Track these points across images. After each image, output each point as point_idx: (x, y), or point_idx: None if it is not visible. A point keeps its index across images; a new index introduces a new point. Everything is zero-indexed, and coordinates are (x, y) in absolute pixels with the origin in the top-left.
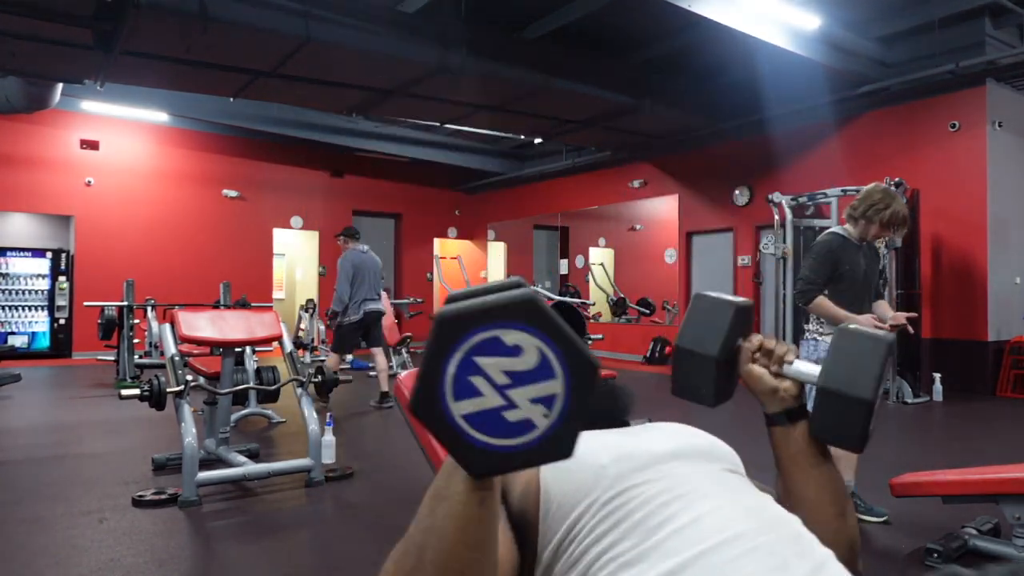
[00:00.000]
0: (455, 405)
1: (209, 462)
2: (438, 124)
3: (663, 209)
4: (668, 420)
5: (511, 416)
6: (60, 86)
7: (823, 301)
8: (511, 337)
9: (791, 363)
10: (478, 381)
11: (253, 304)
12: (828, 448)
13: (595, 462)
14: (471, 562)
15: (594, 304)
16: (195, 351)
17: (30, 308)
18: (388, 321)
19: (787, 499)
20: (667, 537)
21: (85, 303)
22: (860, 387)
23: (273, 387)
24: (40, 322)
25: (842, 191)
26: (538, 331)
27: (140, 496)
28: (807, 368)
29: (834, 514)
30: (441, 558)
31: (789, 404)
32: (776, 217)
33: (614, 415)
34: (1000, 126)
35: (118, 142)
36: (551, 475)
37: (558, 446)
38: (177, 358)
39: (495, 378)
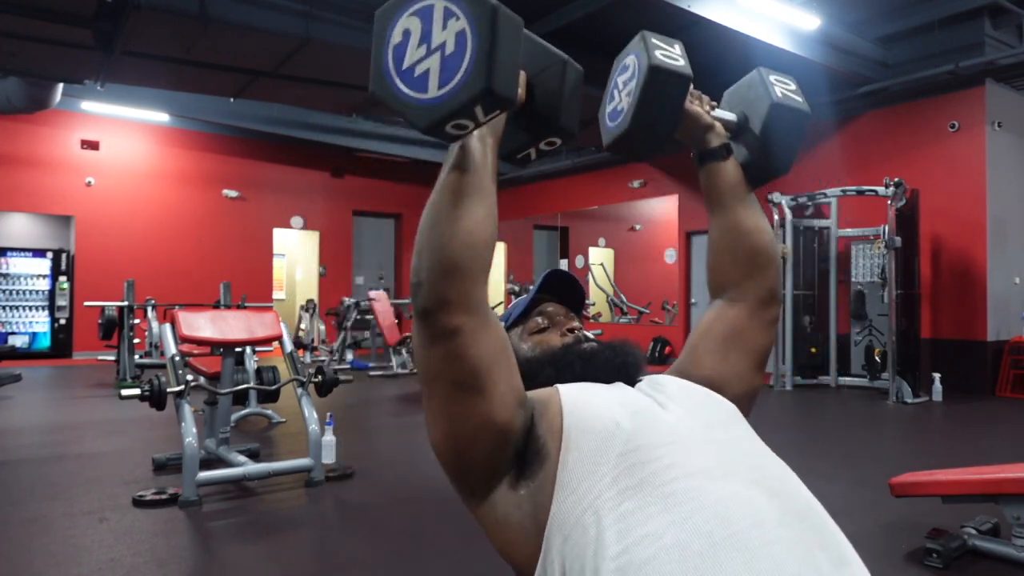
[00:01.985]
0: (396, 73)
1: (209, 462)
2: None
3: (663, 209)
4: None
5: (431, 64)
6: (60, 86)
7: None
8: (425, 4)
9: (714, 107)
10: (409, 46)
11: (253, 304)
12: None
13: (611, 418)
14: (453, 216)
15: (594, 304)
16: (195, 351)
17: (30, 308)
18: (388, 321)
19: (730, 233)
20: (694, 512)
21: (85, 303)
22: (799, 102)
23: (273, 387)
24: (40, 322)
25: (842, 191)
26: None
27: (140, 496)
28: (727, 113)
29: (771, 238)
30: (431, 214)
31: (724, 139)
32: (776, 217)
33: (622, 372)
34: (999, 126)
35: (118, 142)
36: (571, 422)
37: (479, 77)
38: (177, 358)
39: (416, 39)
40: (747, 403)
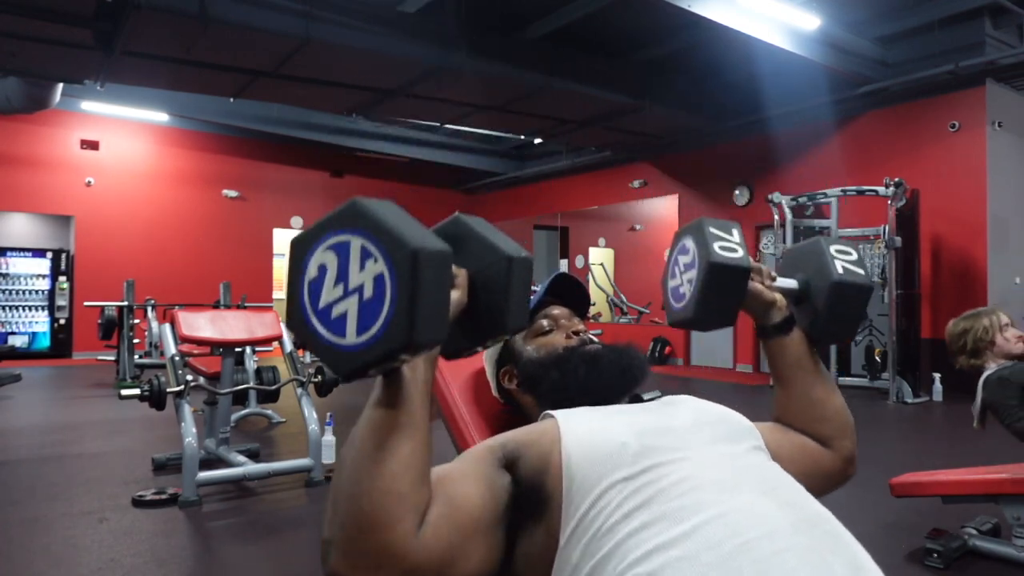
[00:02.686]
0: (312, 311)
1: (209, 462)
2: (438, 124)
3: (663, 209)
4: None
5: (348, 307)
6: (60, 86)
7: None
8: (341, 239)
9: (774, 279)
10: (325, 283)
11: (253, 304)
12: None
13: (615, 439)
14: (375, 460)
15: (594, 304)
16: (195, 351)
17: (30, 308)
18: None
19: (798, 404)
20: (703, 524)
21: (85, 303)
22: (860, 276)
23: (273, 387)
24: (40, 322)
25: (842, 191)
26: (360, 229)
27: (140, 496)
28: (788, 281)
29: (841, 405)
30: (350, 457)
31: (786, 312)
32: (776, 217)
33: (627, 387)
34: (1000, 126)
35: (118, 142)
36: (572, 449)
37: (400, 331)
38: (177, 358)
39: (332, 276)
40: None
